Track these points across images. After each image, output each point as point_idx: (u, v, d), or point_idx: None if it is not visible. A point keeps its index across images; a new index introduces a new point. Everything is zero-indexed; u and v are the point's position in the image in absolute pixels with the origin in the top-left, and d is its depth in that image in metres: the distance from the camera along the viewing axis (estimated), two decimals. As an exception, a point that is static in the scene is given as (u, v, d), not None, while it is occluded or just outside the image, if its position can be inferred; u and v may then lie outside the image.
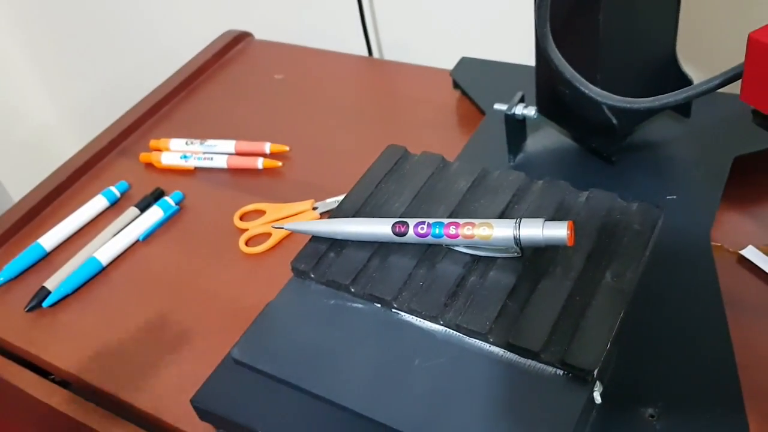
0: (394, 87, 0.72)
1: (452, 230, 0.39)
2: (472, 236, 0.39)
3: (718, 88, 0.39)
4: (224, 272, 0.56)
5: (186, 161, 0.66)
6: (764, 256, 0.47)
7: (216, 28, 0.85)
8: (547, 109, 0.54)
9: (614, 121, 0.49)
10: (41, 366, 0.53)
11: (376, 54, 0.82)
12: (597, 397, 0.36)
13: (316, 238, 0.43)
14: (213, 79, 0.78)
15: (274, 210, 0.60)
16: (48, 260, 0.60)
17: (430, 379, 0.36)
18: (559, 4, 0.46)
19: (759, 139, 0.52)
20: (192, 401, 0.43)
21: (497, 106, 0.54)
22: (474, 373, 0.36)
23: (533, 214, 0.41)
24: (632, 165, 0.52)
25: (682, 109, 0.54)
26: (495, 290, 0.38)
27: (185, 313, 0.53)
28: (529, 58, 0.55)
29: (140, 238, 0.59)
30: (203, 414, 0.43)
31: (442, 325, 0.38)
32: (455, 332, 0.37)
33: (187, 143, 0.68)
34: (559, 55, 0.45)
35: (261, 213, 0.60)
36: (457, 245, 0.40)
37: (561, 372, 0.35)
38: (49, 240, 0.60)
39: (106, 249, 0.58)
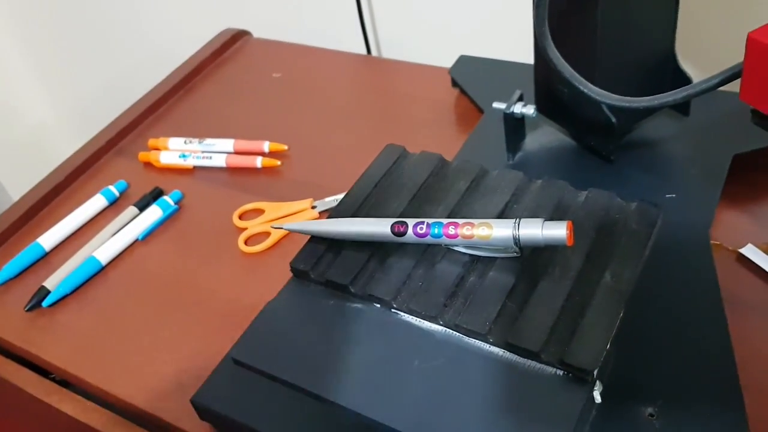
0: (393, 85, 0.72)
1: (451, 230, 0.39)
2: (471, 236, 0.39)
3: (717, 87, 0.39)
4: (223, 271, 0.56)
5: (185, 160, 0.66)
6: (763, 254, 0.47)
7: (213, 27, 0.85)
8: (546, 107, 0.54)
9: (613, 119, 0.49)
10: (40, 365, 0.53)
11: (374, 52, 0.82)
12: (597, 397, 0.36)
13: (314, 238, 0.43)
14: (211, 77, 0.78)
15: (272, 209, 0.60)
16: (47, 260, 0.60)
17: (429, 379, 0.36)
18: (557, 2, 0.46)
19: (758, 137, 0.51)
20: (192, 400, 0.43)
21: (496, 105, 0.54)
22: (473, 374, 0.36)
23: (532, 214, 0.41)
24: (631, 163, 0.52)
25: (681, 107, 0.54)
26: (494, 290, 0.38)
27: (184, 312, 0.53)
28: (527, 56, 0.55)
29: (139, 238, 0.59)
30: (203, 413, 0.44)
31: (441, 325, 0.38)
32: (454, 332, 0.37)
33: (185, 142, 0.67)
34: (558, 54, 0.45)
35: (260, 212, 0.60)
36: (456, 245, 0.40)
37: (560, 372, 0.35)
38: (48, 239, 0.60)
39: (105, 248, 0.58)
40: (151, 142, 0.69)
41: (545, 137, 0.56)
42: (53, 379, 0.51)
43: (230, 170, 0.65)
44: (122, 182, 0.65)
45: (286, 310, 0.41)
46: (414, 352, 0.37)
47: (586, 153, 0.54)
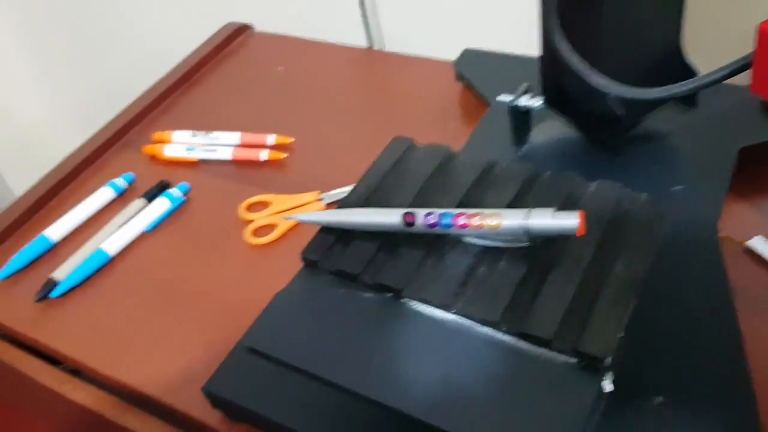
0: (397, 79, 0.72)
1: (461, 220, 0.39)
2: (481, 226, 0.39)
3: (727, 79, 0.39)
4: (230, 263, 0.56)
5: (190, 153, 0.66)
6: (770, 246, 0.47)
7: (216, 22, 0.85)
8: (553, 100, 0.54)
9: (621, 112, 0.50)
10: (51, 355, 0.53)
11: (376, 46, 0.82)
12: (607, 386, 0.36)
13: (325, 229, 0.44)
14: (214, 71, 0.78)
15: (279, 201, 0.60)
16: (55, 252, 0.60)
17: (442, 366, 0.36)
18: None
19: (765, 130, 0.52)
20: (203, 389, 0.43)
21: (502, 97, 0.54)
22: (485, 362, 0.36)
23: (541, 205, 0.41)
24: (638, 156, 0.53)
25: (688, 100, 0.54)
26: (505, 280, 0.38)
27: (192, 302, 0.53)
28: (532, 49, 0.55)
29: (147, 229, 0.60)
30: (215, 401, 0.44)
31: (453, 313, 0.38)
32: (466, 321, 0.38)
33: (192, 135, 0.68)
34: (567, 45, 0.45)
35: (266, 204, 0.60)
36: (466, 235, 0.40)
37: (573, 360, 0.35)
38: (55, 231, 0.60)
39: (113, 240, 0.58)
40: (156, 135, 0.69)
41: (551, 130, 0.57)
42: (64, 369, 0.51)
43: (236, 163, 0.66)
44: (129, 174, 0.65)
45: (298, 298, 0.41)
46: (426, 340, 0.37)
47: (592, 146, 0.54)
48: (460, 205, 0.43)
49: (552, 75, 0.53)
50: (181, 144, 0.67)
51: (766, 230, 0.49)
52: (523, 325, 0.36)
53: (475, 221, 0.39)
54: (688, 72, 0.52)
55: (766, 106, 0.37)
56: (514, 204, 0.42)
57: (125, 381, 0.49)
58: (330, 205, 0.59)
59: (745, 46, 0.37)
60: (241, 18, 0.85)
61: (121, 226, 0.60)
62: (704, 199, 0.49)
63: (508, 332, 0.36)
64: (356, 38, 0.81)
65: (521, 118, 0.55)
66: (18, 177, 1.15)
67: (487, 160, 0.46)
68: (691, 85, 0.41)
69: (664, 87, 0.41)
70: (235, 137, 0.67)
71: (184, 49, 0.81)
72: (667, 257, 0.41)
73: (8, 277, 0.58)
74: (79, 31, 1.07)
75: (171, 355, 0.49)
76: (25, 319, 0.55)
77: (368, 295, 0.40)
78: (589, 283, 0.37)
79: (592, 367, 0.34)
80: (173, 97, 0.75)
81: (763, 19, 0.34)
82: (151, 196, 0.62)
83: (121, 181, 0.64)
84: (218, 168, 0.65)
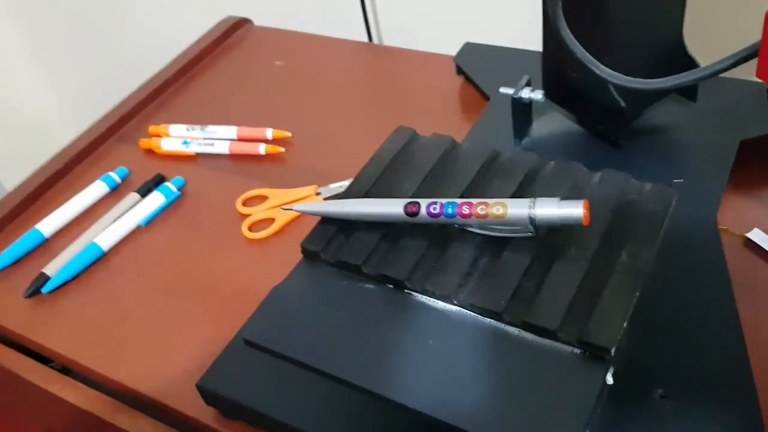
0: (396, 73, 0.72)
1: (465, 210, 0.39)
2: (486, 215, 0.38)
3: (732, 68, 0.39)
4: (226, 257, 0.55)
5: (187, 147, 0.65)
6: (771, 238, 0.47)
7: (214, 15, 0.84)
8: (554, 92, 0.54)
9: (622, 103, 0.49)
10: (41, 353, 0.52)
11: (375, 40, 0.81)
12: (609, 378, 0.36)
13: (325, 220, 0.43)
14: (212, 65, 0.78)
15: (277, 195, 0.59)
16: (47, 246, 0.59)
17: (444, 358, 0.35)
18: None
19: (765, 123, 0.52)
20: (198, 385, 0.42)
21: (503, 90, 0.54)
22: (489, 353, 0.35)
23: (546, 195, 0.41)
24: (638, 149, 0.52)
25: (689, 92, 0.54)
26: (509, 270, 0.37)
27: (188, 298, 0.52)
28: (532, 43, 0.54)
29: (142, 224, 0.59)
30: (209, 397, 0.43)
31: (456, 305, 0.37)
32: (469, 312, 0.37)
33: (188, 129, 0.67)
34: (571, 35, 0.44)
35: (264, 198, 0.59)
36: (470, 225, 0.40)
37: (578, 351, 0.34)
38: (47, 226, 0.59)
39: (106, 234, 0.57)
40: (153, 128, 0.68)
41: (552, 123, 0.56)
42: (53, 367, 0.50)
43: (233, 157, 0.65)
44: (123, 168, 0.64)
45: (297, 290, 0.40)
46: (428, 331, 0.37)
47: (593, 138, 0.54)
48: (464, 195, 0.42)
49: (553, 67, 0.53)
50: (177, 138, 0.66)
51: (765, 222, 0.48)
52: (528, 315, 0.35)
53: (480, 210, 0.38)
54: (691, 65, 0.52)
55: (765, 99, 0.37)
56: (518, 194, 0.42)
57: (118, 379, 0.48)
58: (328, 199, 0.58)
59: (743, 43, 0.37)
60: (240, 12, 0.84)
61: (115, 220, 0.59)
62: (704, 192, 0.48)
63: (512, 323, 0.36)
64: (356, 32, 0.80)
65: (522, 111, 0.54)
66: (14, 171, 1.13)
67: (492, 149, 0.45)
68: (696, 75, 0.40)
69: (667, 78, 0.41)
70: (231, 131, 0.66)
71: (183, 42, 0.80)
72: (668, 248, 0.41)
73: (-1, 272, 0.57)
74: (77, 24, 1.06)
75: (166, 353, 0.49)
76: (15, 316, 0.54)
77: (370, 286, 0.40)
78: (594, 273, 0.37)
79: (597, 357, 0.34)
80: (171, 90, 0.75)
81: (761, 13, 0.34)
82: (145, 191, 0.61)
83: (114, 176, 0.63)
84: (216, 162, 0.65)
